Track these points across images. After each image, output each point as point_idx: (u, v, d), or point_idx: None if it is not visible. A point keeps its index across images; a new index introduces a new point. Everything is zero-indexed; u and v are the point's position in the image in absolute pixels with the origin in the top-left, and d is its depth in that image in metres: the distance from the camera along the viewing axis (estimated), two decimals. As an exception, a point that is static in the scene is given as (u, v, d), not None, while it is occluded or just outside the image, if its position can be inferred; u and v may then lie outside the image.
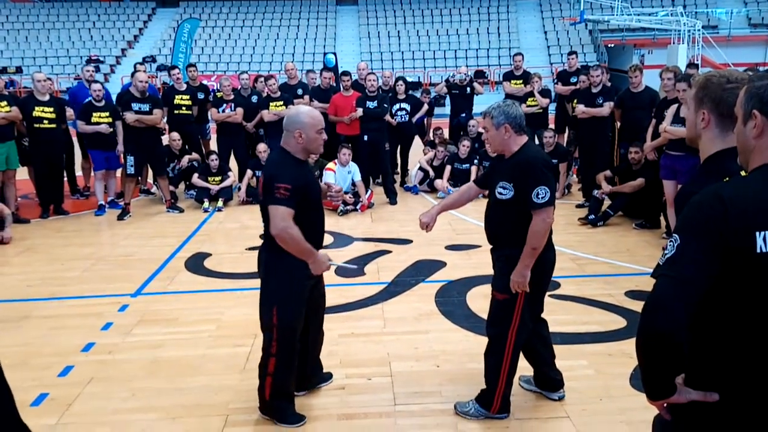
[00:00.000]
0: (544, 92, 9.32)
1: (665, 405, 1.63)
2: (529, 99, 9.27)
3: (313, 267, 3.12)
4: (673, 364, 1.53)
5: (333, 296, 5.02)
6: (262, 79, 9.33)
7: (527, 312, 3.19)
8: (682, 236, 1.51)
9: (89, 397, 3.63)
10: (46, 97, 7.88)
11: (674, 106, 5.97)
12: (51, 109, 7.80)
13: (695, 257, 1.48)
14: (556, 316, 4.58)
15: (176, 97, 8.92)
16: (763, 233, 1.44)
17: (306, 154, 3.18)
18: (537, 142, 8.77)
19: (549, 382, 3.50)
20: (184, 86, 9.21)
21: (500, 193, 3.12)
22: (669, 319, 1.47)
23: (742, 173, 1.64)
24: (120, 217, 7.85)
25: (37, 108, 7.71)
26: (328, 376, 3.72)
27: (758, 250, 1.44)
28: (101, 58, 26.86)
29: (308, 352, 3.46)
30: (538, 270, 3.11)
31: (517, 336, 3.19)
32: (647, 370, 1.57)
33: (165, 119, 8.75)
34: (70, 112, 8.21)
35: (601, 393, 3.54)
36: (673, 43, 22.46)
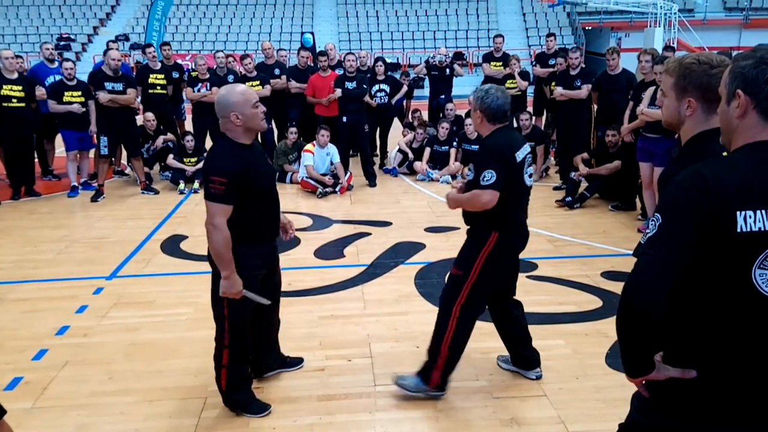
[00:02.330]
0: (524, 74, 9.33)
1: (644, 382, 1.66)
2: (508, 81, 9.27)
3: (224, 284, 2.92)
4: (652, 342, 1.55)
5: (313, 279, 5.02)
6: (232, 58, 9.20)
7: (478, 293, 3.20)
8: (663, 215, 1.51)
9: (65, 380, 3.58)
10: (15, 75, 7.65)
11: (651, 89, 6.01)
12: (19, 88, 7.59)
13: (676, 237, 1.48)
14: (534, 296, 4.64)
15: (151, 76, 8.74)
16: (744, 212, 1.45)
17: (249, 136, 3.00)
18: (515, 124, 8.81)
19: (525, 361, 3.54)
20: (159, 65, 9.03)
21: (467, 174, 3.23)
22: (649, 298, 1.48)
23: (725, 154, 1.65)
24: (94, 199, 7.71)
25: (5, 86, 7.49)
26: (297, 362, 3.68)
27: (739, 230, 1.45)
28: (72, 37, 26.17)
29: (261, 340, 3.40)
30: (494, 255, 3.15)
31: (461, 313, 3.21)
32: (627, 347, 1.59)
33: (139, 99, 8.58)
34: (41, 91, 7.99)
35: (578, 372, 3.60)
36: (650, 26, 22.62)
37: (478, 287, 3.19)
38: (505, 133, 3.17)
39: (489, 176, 3.01)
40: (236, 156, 2.91)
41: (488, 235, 3.15)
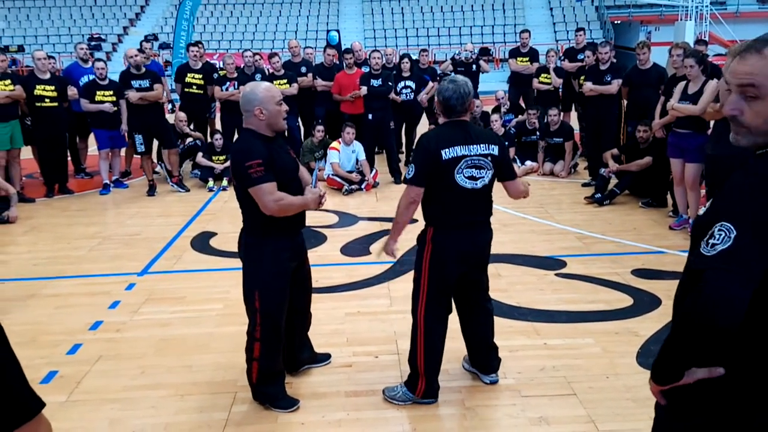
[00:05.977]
0: (557, 70, 9.18)
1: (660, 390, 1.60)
2: (543, 75, 9.16)
3: (309, 206, 3.12)
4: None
5: (339, 275, 5.04)
6: (259, 57, 9.28)
7: (434, 294, 3.16)
8: (738, 225, 1.38)
9: (98, 374, 3.66)
10: (47, 76, 7.83)
11: (682, 83, 5.89)
12: (52, 88, 7.76)
13: (755, 249, 1.37)
14: (563, 294, 4.60)
15: (188, 75, 8.83)
16: None
17: (271, 130, 3.07)
18: (545, 120, 8.71)
19: (479, 364, 3.49)
20: (199, 64, 9.00)
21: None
22: (732, 316, 1.37)
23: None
24: (150, 193, 7.97)
25: (38, 86, 7.67)
26: (324, 358, 3.70)
27: None
28: (103, 37, 26.68)
29: (294, 333, 3.43)
30: (437, 252, 3.10)
31: (425, 317, 3.17)
32: (680, 359, 1.50)
33: (165, 94, 8.71)
34: (73, 90, 8.16)
35: (608, 371, 3.55)
36: (681, 19, 22.18)
37: (433, 287, 3.15)
38: (443, 128, 3.09)
39: (410, 170, 3.03)
40: (261, 144, 3.00)
41: (426, 231, 3.15)
